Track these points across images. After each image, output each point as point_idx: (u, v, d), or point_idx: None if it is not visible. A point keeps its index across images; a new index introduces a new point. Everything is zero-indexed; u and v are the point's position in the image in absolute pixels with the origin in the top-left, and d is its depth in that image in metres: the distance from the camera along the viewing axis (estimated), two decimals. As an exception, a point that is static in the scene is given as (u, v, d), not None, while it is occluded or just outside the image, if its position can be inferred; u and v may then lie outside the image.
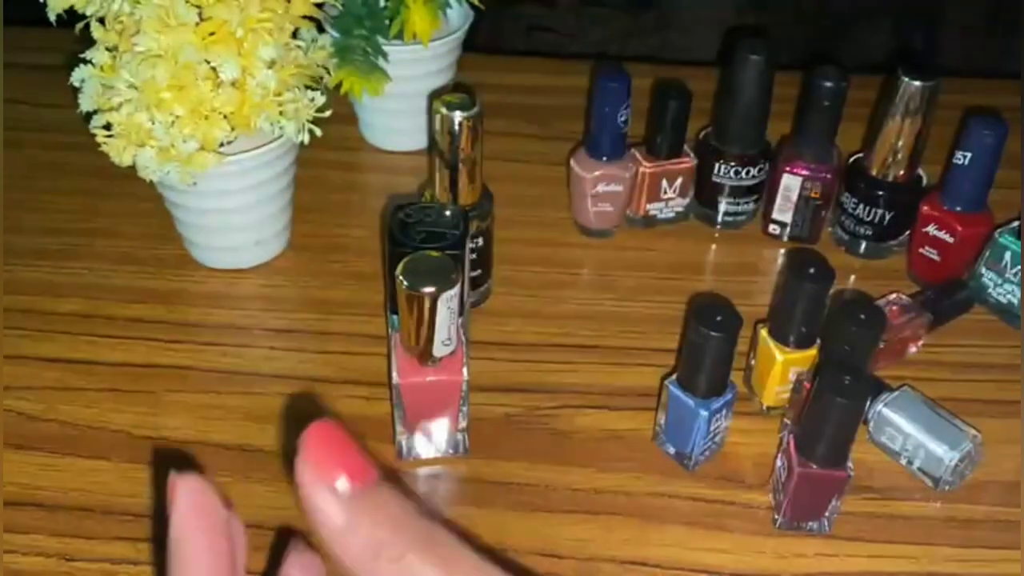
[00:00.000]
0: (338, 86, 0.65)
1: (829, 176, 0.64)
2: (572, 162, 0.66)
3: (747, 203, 0.67)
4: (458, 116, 0.53)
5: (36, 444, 0.53)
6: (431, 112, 0.54)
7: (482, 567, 0.23)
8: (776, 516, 0.50)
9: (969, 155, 0.59)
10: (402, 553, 0.23)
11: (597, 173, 0.64)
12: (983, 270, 0.62)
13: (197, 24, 0.54)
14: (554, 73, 0.85)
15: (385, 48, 0.67)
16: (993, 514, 0.50)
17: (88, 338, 0.60)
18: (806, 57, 0.66)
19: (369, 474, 0.24)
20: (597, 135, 0.63)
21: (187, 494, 0.26)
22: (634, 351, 0.59)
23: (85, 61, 0.57)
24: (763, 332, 0.54)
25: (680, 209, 0.68)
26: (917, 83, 0.59)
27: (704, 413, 0.50)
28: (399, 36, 0.67)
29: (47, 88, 0.77)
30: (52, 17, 0.57)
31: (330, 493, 0.24)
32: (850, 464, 0.47)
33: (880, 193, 0.63)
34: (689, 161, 0.66)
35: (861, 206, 0.64)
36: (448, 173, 0.56)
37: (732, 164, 0.65)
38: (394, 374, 0.48)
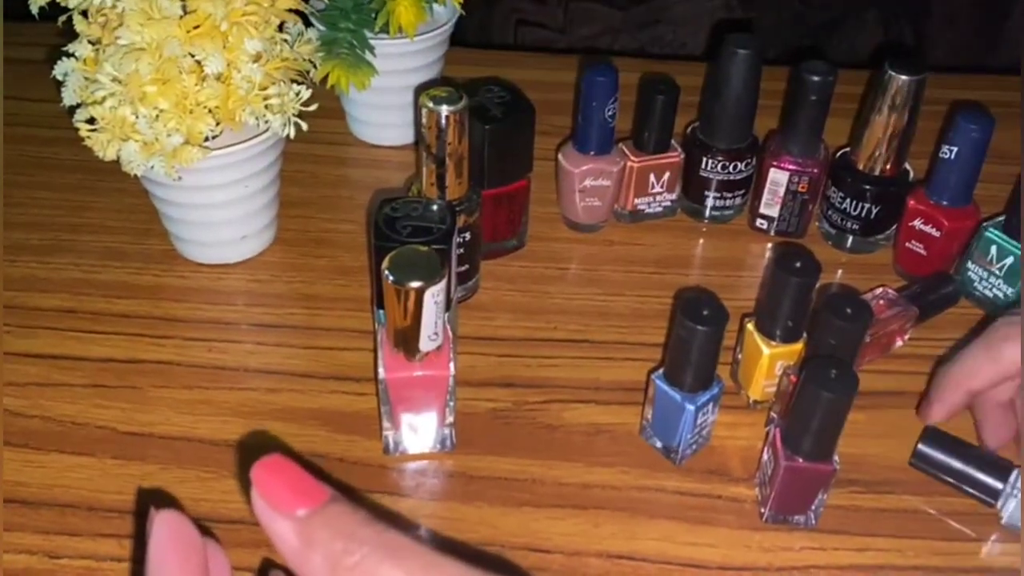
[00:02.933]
0: (324, 80, 0.65)
1: (816, 171, 0.64)
2: (560, 157, 0.66)
3: (734, 198, 0.68)
4: (445, 110, 0.53)
5: (20, 440, 0.53)
6: (418, 106, 0.54)
7: (436, 562, 0.24)
8: (763, 510, 0.50)
9: (955, 149, 0.59)
10: (359, 559, 0.24)
11: (585, 168, 0.64)
12: (969, 264, 0.62)
13: (181, 17, 0.54)
14: (543, 68, 0.85)
15: (371, 42, 0.67)
16: (979, 507, 0.50)
17: (73, 334, 0.59)
18: (793, 52, 0.66)
19: (318, 495, 0.26)
20: (585, 130, 0.63)
21: (164, 525, 0.28)
22: (621, 345, 0.59)
23: (68, 55, 0.56)
24: (750, 326, 0.54)
25: (668, 204, 0.68)
26: (904, 77, 0.59)
27: (691, 407, 0.50)
28: (385, 30, 0.67)
29: (30, 82, 0.76)
30: (34, 10, 0.57)
31: (284, 519, 0.25)
32: (836, 458, 0.47)
33: (867, 187, 0.63)
34: (677, 156, 0.66)
35: (848, 200, 0.64)
36: (435, 168, 0.55)
37: (720, 159, 0.65)
38: (380, 369, 0.48)
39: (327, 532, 0.25)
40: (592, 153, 0.64)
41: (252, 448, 0.53)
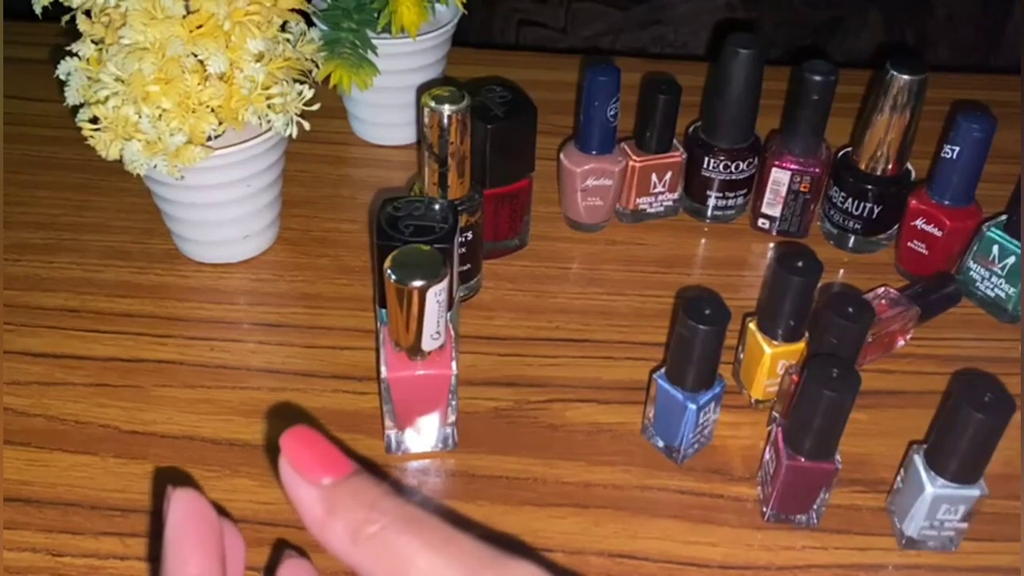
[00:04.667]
0: (327, 80, 0.65)
1: (818, 170, 0.64)
2: (561, 156, 0.66)
3: (736, 197, 0.68)
4: (447, 110, 0.53)
5: (23, 439, 0.53)
6: (420, 106, 0.54)
7: (453, 536, 0.25)
8: (764, 509, 0.50)
9: (957, 149, 0.59)
10: (379, 528, 0.25)
11: (586, 167, 0.64)
12: (971, 264, 0.62)
13: (184, 17, 0.54)
14: (544, 68, 0.85)
15: (374, 41, 0.67)
16: (981, 506, 0.50)
17: (76, 333, 0.59)
18: (795, 51, 0.66)
19: (344, 466, 0.26)
20: (587, 129, 0.63)
21: (181, 503, 0.28)
22: (623, 345, 0.60)
23: (71, 54, 0.56)
24: (751, 326, 0.54)
25: (670, 203, 0.68)
26: (906, 77, 0.59)
27: (692, 407, 0.50)
28: (387, 29, 0.67)
29: (33, 82, 0.77)
30: (38, 10, 0.57)
31: (309, 487, 0.26)
32: (838, 457, 0.47)
33: (868, 187, 0.63)
34: (679, 155, 0.66)
35: (850, 200, 0.64)
36: (437, 167, 0.56)
37: (721, 158, 0.65)
38: (383, 368, 0.48)
39: (350, 501, 0.25)
40: (594, 153, 0.64)
41: (252, 447, 0.53)
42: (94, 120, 0.55)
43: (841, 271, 0.66)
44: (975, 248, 0.62)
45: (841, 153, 0.66)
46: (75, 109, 0.56)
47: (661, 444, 0.53)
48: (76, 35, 0.56)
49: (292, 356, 0.58)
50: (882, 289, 0.60)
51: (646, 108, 0.64)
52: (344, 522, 0.25)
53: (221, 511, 0.29)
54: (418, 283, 0.44)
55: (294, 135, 0.58)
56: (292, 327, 0.60)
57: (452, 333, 0.49)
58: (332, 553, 0.25)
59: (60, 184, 0.71)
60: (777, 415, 0.54)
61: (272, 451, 0.53)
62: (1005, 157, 0.67)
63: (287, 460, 0.26)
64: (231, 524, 0.30)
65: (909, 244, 0.64)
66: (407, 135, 0.75)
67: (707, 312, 0.48)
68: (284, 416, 0.54)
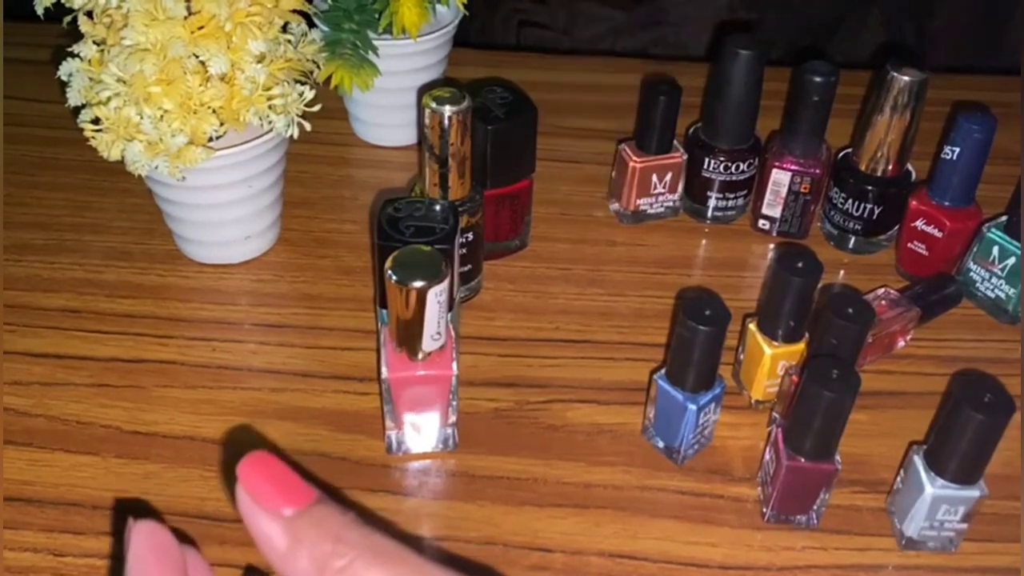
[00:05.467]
0: (328, 81, 0.65)
1: (818, 171, 0.64)
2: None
3: (736, 198, 0.68)
4: (448, 111, 0.53)
5: (25, 439, 0.53)
6: (421, 107, 0.54)
7: (423, 568, 0.24)
8: (764, 509, 0.50)
9: (957, 150, 0.59)
10: (347, 563, 0.24)
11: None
12: (971, 265, 0.62)
13: (186, 18, 0.54)
14: (545, 69, 0.85)
15: (375, 42, 0.67)
16: (981, 507, 0.50)
17: (77, 333, 0.60)
18: (795, 52, 0.66)
19: (305, 495, 0.25)
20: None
21: (142, 536, 0.27)
22: (623, 345, 0.60)
23: (73, 55, 0.56)
24: (752, 326, 0.54)
25: (670, 204, 0.68)
26: (906, 78, 0.59)
27: (692, 407, 0.50)
28: (388, 30, 0.67)
29: (35, 83, 0.77)
30: (40, 11, 0.57)
31: (270, 518, 0.25)
32: (838, 458, 0.47)
33: (869, 188, 0.64)
34: (679, 156, 0.66)
35: (850, 201, 0.64)
36: (438, 168, 0.56)
37: (722, 159, 0.65)
38: (383, 369, 0.48)
39: (315, 532, 0.25)
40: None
41: (255, 447, 0.53)
42: (96, 121, 0.56)
43: (841, 272, 0.66)
44: (975, 249, 0.62)
45: (841, 154, 0.66)
46: (77, 110, 0.56)
47: (661, 445, 0.53)
48: (78, 36, 0.57)
49: (293, 357, 0.59)
50: (882, 290, 0.60)
51: (646, 109, 0.64)
52: (309, 555, 0.24)
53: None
54: (419, 284, 0.44)
55: (295, 136, 0.59)
56: (293, 328, 0.61)
57: (453, 334, 0.49)
58: None
59: (62, 185, 0.71)
60: (777, 416, 0.54)
61: (273, 452, 0.53)
62: (1005, 158, 0.67)
63: (245, 490, 0.25)
64: (194, 551, 0.29)
65: (909, 245, 0.64)
66: (408, 136, 0.75)
67: (707, 313, 0.48)
68: (286, 417, 0.55)
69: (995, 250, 0.61)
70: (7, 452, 0.52)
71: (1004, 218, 0.61)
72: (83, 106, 0.56)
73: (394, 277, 0.44)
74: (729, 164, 0.66)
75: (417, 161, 0.73)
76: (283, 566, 0.25)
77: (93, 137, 0.56)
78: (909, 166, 0.64)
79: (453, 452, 0.53)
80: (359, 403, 0.55)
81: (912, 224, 0.63)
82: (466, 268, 0.60)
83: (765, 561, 0.48)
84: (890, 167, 0.63)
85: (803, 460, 0.47)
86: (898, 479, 0.49)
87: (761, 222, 0.68)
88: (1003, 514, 0.50)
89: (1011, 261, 0.60)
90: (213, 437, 0.53)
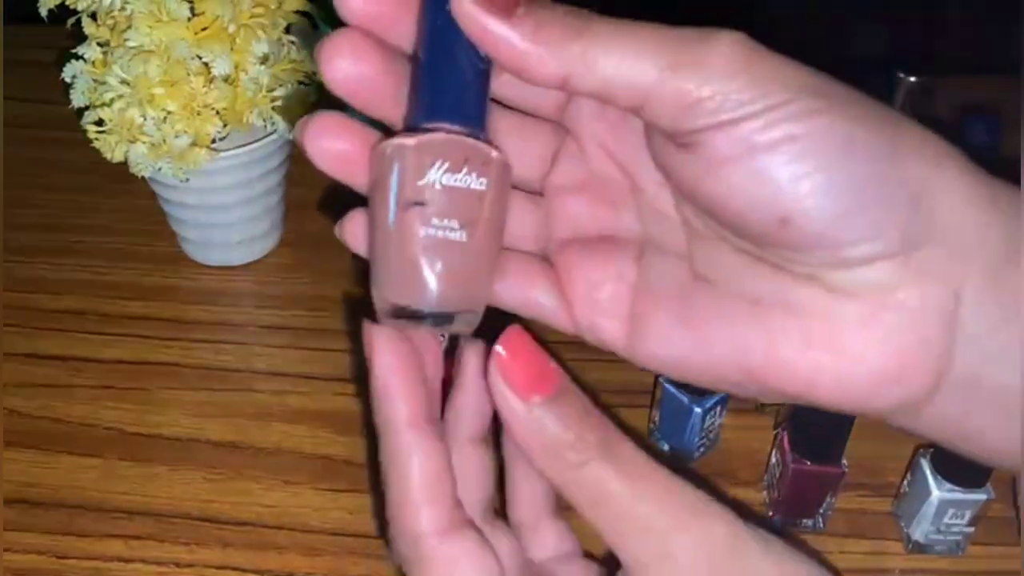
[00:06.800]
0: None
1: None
2: None
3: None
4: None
5: (29, 441, 0.53)
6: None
7: (665, 481, 0.26)
8: (771, 513, 0.50)
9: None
10: (585, 459, 0.25)
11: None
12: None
13: (189, 19, 0.54)
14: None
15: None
16: (988, 510, 0.50)
17: (81, 335, 0.60)
18: (798, 53, 0.66)
19: (556, 380, 0.26)
20: None
21: (384, 351, 0.27)
22: (629, 348, 0.59)
23: (77, 57, 0.56)
24: (757, 328, 0.54)
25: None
26: (912, 79, 0.59)
27: (698, 410, 0.49)
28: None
29: (39, 84, 0.77)
30: (44, 13, 0.57)
31: (515, 400, 0.26)
32: (844, 461, 0.47)
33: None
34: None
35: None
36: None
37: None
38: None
39: (560, 417, 0.26)
40: None
41: (257, 449, 0.53)
42: (100, 123, 0.55)
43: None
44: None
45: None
46: (81, 112, 0.56)
47: (667, 447, 0.53)
48: (82, 38, 0.57)
49: (296, 358, 0.58)
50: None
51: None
52: (550, 438, 0.25)
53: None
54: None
55: (299, 137, 0.58)
56: (296, 329, 0.60)
57: (457, 336, 0.49)
58: (529, 460, 0.26)
59: (66, 186, 0.71)
60: (784, 419, 0.54)
61: (276, 454, 0.52)
62: (1013, 159, 0.67)
63: (499, 373, 0.26)
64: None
65: (916, 246, 0.63)
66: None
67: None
68: (287, 419, 0.54)
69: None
70: (10, 454, 0.52)
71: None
72: (87, 108, 0.56)
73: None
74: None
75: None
76: (523, 440, 0.26)
77: (97, 139, 0.56)
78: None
79: (457, 455, 0.53)
80: (362, 405, 0.55)
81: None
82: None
83: (771, 565, 0.48)
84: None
85: (809, 463, 0.47)
86: (905, 482, 0.49)
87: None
88: (1010, 517, 0.50)
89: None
90: (216, 439, 0.53)
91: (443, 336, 0.29)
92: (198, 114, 0.55)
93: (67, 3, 0.56)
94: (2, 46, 0.65)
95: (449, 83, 0.26)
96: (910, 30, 1.24)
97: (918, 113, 0.60)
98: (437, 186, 0.25)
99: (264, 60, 0.56)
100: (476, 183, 0.25)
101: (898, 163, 0.24)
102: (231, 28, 0.54)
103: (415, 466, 0.27)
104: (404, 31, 0.27)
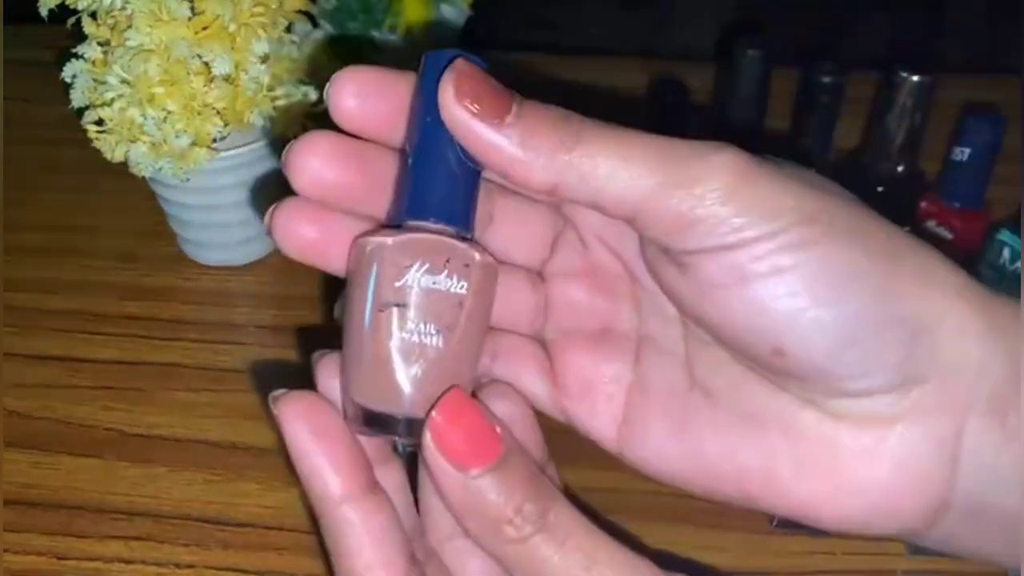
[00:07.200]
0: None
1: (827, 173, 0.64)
2: None
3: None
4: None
5: (28, 442, 0.53)
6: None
7: (607, 553, 0.25)
8: (773, 515, 0.49)
9: (967, 151, 0.59)
10: (524, 535, 0.24)
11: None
12: (982, 267, 0.62)
13: (189, 19, 0.54)
14: (548, 69, 0.84)
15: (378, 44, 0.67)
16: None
17: (81, 335, 0.59)
18: (803, 53, 0.66)
19: (499, 447, 0.24)
20: None
21: (295, 421, 0.26)
22: (630, 348, 0.59)
23: (77, 56, 0.56)
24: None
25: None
26: (915, 78, 0.59)
27: (700, 411, 0.49)
28: (393, 29, 0.67)
29: (39, 84, 0.76)
30: (44, 12, 0.57)
31: (451, 471, 0.24)
32: (847, 462, 0.47)
33: (878, 189, 0.63)
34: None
35: (859, 202, 0.64)
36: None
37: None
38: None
39: (497, 499, 0.24)
40: None
41: (257, 450, 0.53)
42: (100, 122, 0.55)
43: (850, 274, 0.65)
44: (986, 250, 0.61)
45: (850, 155, 0.65)
46: (81, 111, 0.56)
47: (668, 448, 0.53)
48: (82, 37, 0.56)
49: (296, 359, 0.58)
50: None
51: (654, 110, 0.64)
52: (482, 520, 0.24)
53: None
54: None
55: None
56: (296, 330, 0.60)
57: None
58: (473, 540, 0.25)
59: (65, 186, 0.71)
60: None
61: (276, 454, 0.52)
62: (1016, 159, 0.66)
63: (434, 444, 0.24)
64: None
65: (919, 246, 0.63)
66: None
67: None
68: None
69: (1006, 252, 0.60)
70: (10, 455, 0.52)
71: (1016, 218, 0.60)
72: (87, 107, 0.56)
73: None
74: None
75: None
76: (459, 512, 0.24)
77: (97, 138, 0.55)
78: (919, 167, 0.64)
79: (458, 455, 0.52)
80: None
81: (922, 225, 0.62)
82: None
83: (775, 567, 0.48)
84: (899, 168, 0.62)
85: (812, 464, 0.46)
86: (908, 484, 0.49)
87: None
88: (1014, 519, 0.50)
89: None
90: (216, 440, 0.53)
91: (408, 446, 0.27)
92: (198, 114, 0.55)
93: (67, 3, 0.56)
94: (2, 46, 0.65)
95: (436, 181, 0.25)
96: (911, 29, 1.24)
97: (919, 112, 0.60)
98: (416, 288, 0.25)
99: (265, 59, 0.56)
100: (456, 286, 0.25)
101: (896, 300, 0.24)
102: (232, 27, 0.54)
103: (360, 539, 0.25)
104: (396, 136, 0.26)
